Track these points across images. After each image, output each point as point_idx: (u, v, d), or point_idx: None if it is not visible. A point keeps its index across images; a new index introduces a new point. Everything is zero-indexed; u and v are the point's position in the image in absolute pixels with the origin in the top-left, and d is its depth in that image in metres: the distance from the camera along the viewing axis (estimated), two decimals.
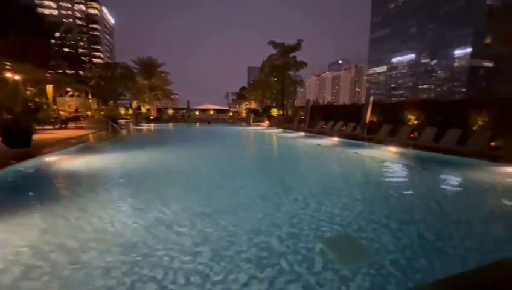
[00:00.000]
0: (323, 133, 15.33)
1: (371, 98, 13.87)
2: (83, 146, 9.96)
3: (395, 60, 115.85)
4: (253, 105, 41.98)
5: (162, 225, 3.37)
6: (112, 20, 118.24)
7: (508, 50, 10.41)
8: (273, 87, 37.34)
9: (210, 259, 2.56)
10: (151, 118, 32.92)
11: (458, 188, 5.67)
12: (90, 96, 24.63)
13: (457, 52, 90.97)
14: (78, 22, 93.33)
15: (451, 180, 6.24)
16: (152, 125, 26.22)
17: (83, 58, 29.59)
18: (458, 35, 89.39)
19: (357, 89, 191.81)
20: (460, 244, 3.02)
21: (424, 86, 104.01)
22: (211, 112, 42.93)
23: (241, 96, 45.64)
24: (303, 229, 3.25)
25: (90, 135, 13.15)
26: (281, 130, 20.41)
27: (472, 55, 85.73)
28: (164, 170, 6.97)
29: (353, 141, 12.01)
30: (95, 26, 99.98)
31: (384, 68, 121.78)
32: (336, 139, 13.08)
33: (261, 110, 36.78)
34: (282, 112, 32.51)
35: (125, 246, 2.81)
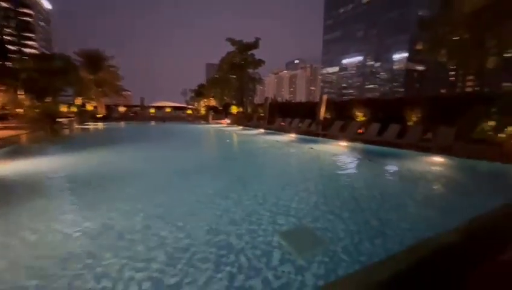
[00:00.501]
0: (281, 130, 15.82)
1: (325, 97, 14.73)
2: (13, 149, 8.61)
3: (345, 61, 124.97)
4: (212, 102, 41.21)
5: (110, 231, 3.09)
6: (47, 5, 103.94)
7: (434, 56, 12.10)
8: (232, 85, 37.17)
9: (165, 264, 2.44)
10: (99, 116, 30.02)
11: (397, 176, 6.39)
12: (22, 92, 21.34)
13: (396, 56, 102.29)
14: (4, 4, 79.81)
15: (392, 170, 7.01)
16: (100, 124, 23.93)
17: (10, 47, 25.46)
18: (397, 41, 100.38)
19: (312, 88, 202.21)
20: (397, 225, 3.40)
21: (370, 86, 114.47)
22: (168, 110, 40.86)
23: (199, 93, 44.37)
24: (261, 224, 3.30)
25: (23, 136, 11.44)
26: (241, 127, 20.46)
27: (408, 59, 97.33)
28: (113, 173, 6.41)
29: (309, 137, 12.64)
30: (25, 10, 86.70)
31: (336, 68, 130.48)
32: (293, 135, 13.60)
33: (220, 108, 36.32)
34: (242, 109, 32.61)
35: (67, 259, 2.50)
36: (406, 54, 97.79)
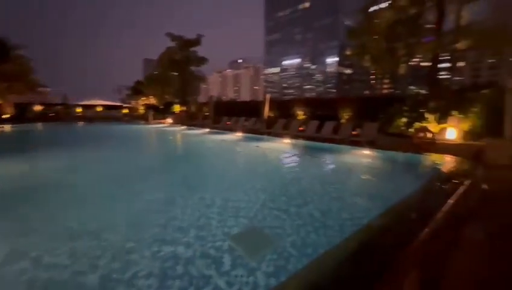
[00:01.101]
0: (227, 129, 15.71)
1: (268, 96, 15.26)
2: None
3: (285, 62, 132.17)
4: (152, 101, 38.36)
5: (24, 258, 2.54)
6: None
7: (359, 61, 13.79)
8: (174, 82, 35.25)
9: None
10: (5, 116, 24.74)
11: (334, 168, 7.06)
12: None
13: (329, 60, 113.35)
14: None
15: (329, 163, 7.72)
16: (6, 127, 19.73)
17: None
18: (329, 46, 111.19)
19: (256, 87, 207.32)
20: (338, 213, 3.72)
21: (308, 87, 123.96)
22: (99, 109, 36.24)
23: (137, 91, 40.67)
24: (210, 229, 3.19)
25: None
26: (185, 127, 19.55)
27: (339, 63, 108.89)
28: (25, 187, 5.33)
29: (255, 135, 12.86)
30: None
31: (277, 69, 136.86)
32: (239, 134, 13.65)
33: (161, 107, 34.04)
34: (186, 108, 31.23)
35: None
36: (337, 58, 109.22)
